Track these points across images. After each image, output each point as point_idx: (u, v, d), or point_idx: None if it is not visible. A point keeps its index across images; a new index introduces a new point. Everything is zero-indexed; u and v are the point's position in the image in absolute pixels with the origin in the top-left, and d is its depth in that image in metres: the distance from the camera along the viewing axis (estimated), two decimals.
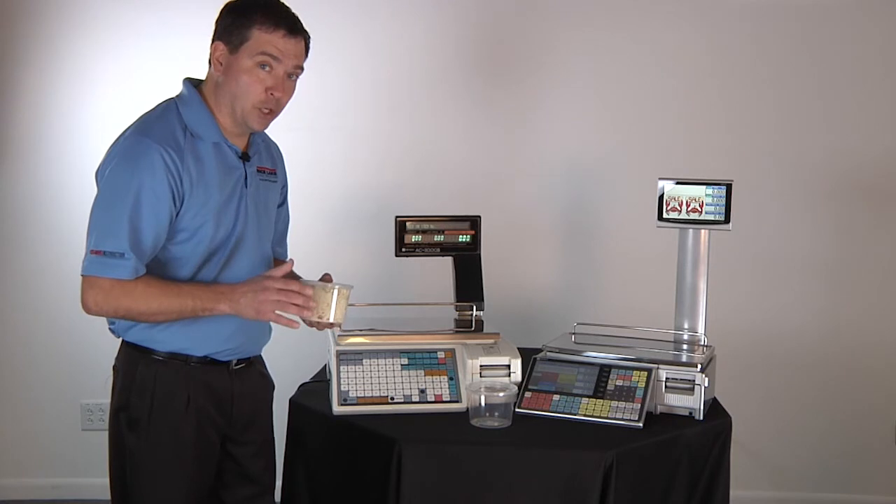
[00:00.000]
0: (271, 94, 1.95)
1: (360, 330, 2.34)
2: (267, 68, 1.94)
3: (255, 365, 2.15)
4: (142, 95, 3.22)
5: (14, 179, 3.39)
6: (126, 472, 1.98)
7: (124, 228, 1.85)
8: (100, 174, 1.93)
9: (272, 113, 1.99)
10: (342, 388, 2.20)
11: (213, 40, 1.99)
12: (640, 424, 2.13)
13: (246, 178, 2.03)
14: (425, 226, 2.59)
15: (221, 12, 2.00)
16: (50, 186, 3.38)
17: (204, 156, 1.95)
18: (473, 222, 2.61)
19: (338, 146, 3.36)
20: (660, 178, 2.46)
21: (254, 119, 1.97)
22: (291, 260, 2.04)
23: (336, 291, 1.97)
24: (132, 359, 1.99)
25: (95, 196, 1.92)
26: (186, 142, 1.93)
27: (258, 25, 1.92)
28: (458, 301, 2.57)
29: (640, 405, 2.16)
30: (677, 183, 2.44)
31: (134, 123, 1.97)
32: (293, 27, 1.96)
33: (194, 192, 1.92)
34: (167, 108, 1.98)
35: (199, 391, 2.00)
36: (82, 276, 1.89)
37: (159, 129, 1.91)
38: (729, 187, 2.39)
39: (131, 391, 1.97)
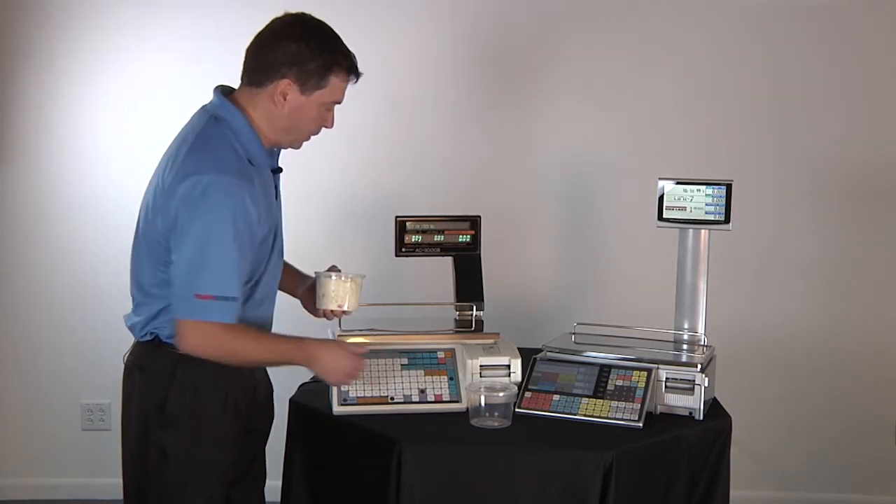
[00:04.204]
0: (324, 127, 2.04)
1: (360, 330, 2.34)
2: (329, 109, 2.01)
3: None
4: (143, 96, 3.26)
5: (17, 179, 3.39)
6: (153, 471, 1.98)
7: (235, 271, 1.89)
8: (183, 212, 1.87)
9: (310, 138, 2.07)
10: (342, 388, 2.20)
11: (276, 68, 1.93)
12: (640, 424, 2.13)
13: (276, 190, 2.08)
14: (425, 226, 2.59)
15: (291, 44, 1.93)
16: (53, 187, 3.38)
17: (264, 183, 2.00)
18: (473, 222, 2.61)
19: (338, 146, 3.34)
20: (660, 178, 2.46)
21: (299, 146, 2.06)
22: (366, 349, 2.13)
23: (351, 281, 2.11)
24: (169, 358, 1.98)
25: (192, 237, 1.86)
26: (252, 172, 1.94)
27: (335, 72, 1.96)
28: (458, 301, 2.57)
29: (640, 405, 2.16)
30: (677, 183, 2.44)
31: (197, 154, 1.90)
32: (358, 73, 2.02)
33: (262, 221, 1.96)
34: (222, 135, 1.93)
35: (233, 384, 2.03)
36: (184, 320, 1.89)
37: (233, 163, 1.90)
38: (729, 187, 2.39)
39: (170, 391, 1.97)
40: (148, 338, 2.00)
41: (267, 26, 1.99)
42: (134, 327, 2.03)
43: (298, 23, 1.98)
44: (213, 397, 1.99)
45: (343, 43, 2.00)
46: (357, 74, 2.02)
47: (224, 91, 2.02)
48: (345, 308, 2.09)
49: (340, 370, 2.05)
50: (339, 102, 2.03)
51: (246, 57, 2.00)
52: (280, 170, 2.09)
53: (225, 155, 1.91)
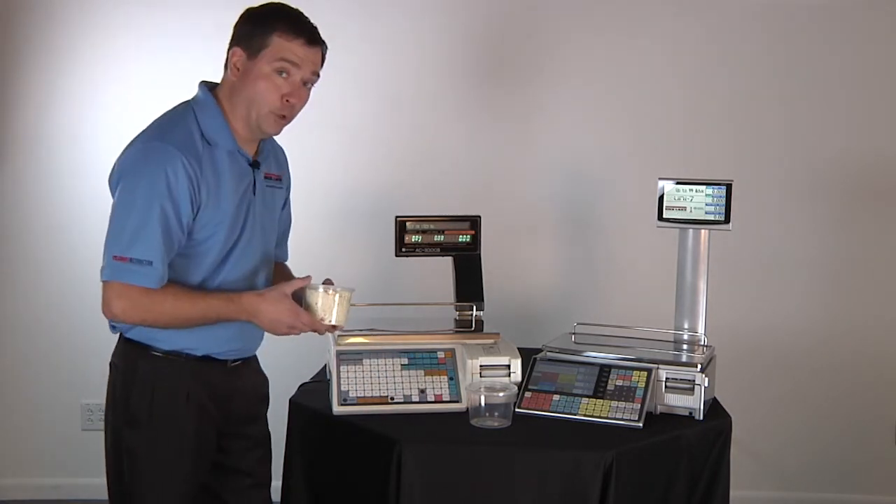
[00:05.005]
0: (287, 100, 1.97)
1: (360, 330, 2.34)
2: (284, 75, 1.96)
3: (250, 363, 2.17)
4: (144, 96, 3.26)
5: (16, 179, 3.39)
6: (124, 469, 1.98)
7: (152, 235, 1.86)
8: (119, 177, 1.92)
9: (286, 119, 2.01)
10: (342, 388, 2.20)
11: (231, 45, 2.00)
12: (640, 424, 2.13)
13: (254, 185, 2.05)
14: (425, 226, 2.59)
15: (241, 18, 2.01)
16: (51, 186, 3.38)
17: (220, 164, 1.96)
18: (473, 222, 2.61)
19: (338, 145, 3.36)
20: (660, 178, 2.46)
21: (268, 124, 2.00)
22: (309, 277, 2.05)
23: (338, 295, 2.02)
24: (133, 355, 1.99)
25: (117, 200, 1.91)
26: (204, 150, 1.94)
27: (279, 33, 1.94)
28: (458, 301, 2.57)
29: (640, 405, 2.16)
30: (677, 183, 2.44)
31: (151, 126, 1.97)
32: (312, 36, 1.98)
33: (210, 202, 1.94)
34: (185, 113, 1.98)
35: (198, 387, 2.01)
36: (105, 281, 1.89)
37: (179, 136, 1.91)
38: (729, 187, 2.39)
39: (132, 387, 1.97)
40: (115, 332, 2.03)
41: None
42: (108, 322, 2.03)
43: (254, 6, 2.03)
44: (172, 396, 1.98)
45: (293, 9, 2.00)
46: (304, 31, 1.97)
47: (209, 86, 2.04)
48: (332, 322, 2.03)
49: (283, 322, 1.97)
50: (299, 66, 1.96)
51: None
52: (258, 164, 2.06)
53: (175, 129, 1.93)
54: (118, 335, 2.04)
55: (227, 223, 1.98)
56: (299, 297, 2.03)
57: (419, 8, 3.33)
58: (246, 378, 2.13)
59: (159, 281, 1.88)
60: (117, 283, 1.87)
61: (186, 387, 1.99)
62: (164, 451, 1.98)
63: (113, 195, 1.94)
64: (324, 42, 2.01)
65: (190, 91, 2.05)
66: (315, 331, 2.04)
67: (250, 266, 2.06)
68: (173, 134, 1.91)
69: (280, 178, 2.17)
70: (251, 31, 1.96)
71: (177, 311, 1.91)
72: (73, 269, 3.38)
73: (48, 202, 3.39)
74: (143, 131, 1.96)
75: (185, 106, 2.00)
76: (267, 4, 2.03)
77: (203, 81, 2.05)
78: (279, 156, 2.20)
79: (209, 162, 1.94)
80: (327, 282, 2.11)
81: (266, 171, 2.10)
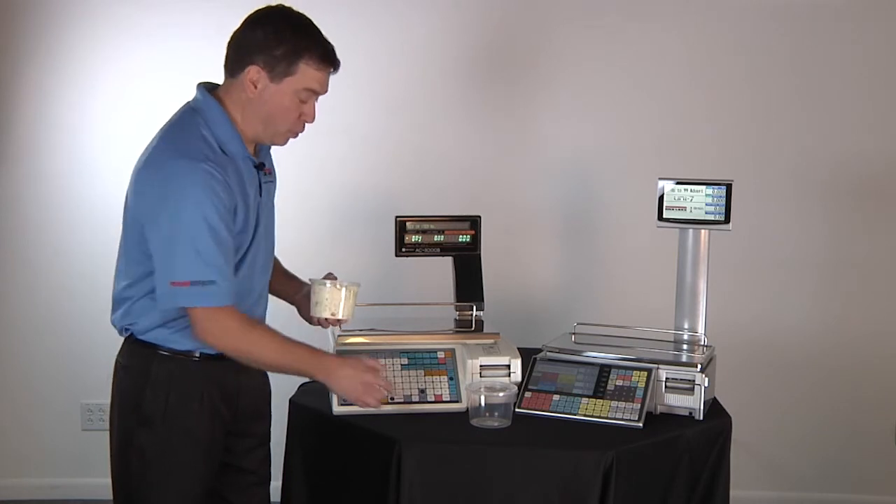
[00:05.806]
0: (304, 120, 2.00)
1: (360, 330, 2.34)
2: (305, 99, 1.97)
3: None
4: (143, 95, 3.26)
5: (15, 178, 3.39)
6: (134, 470, 1.98)
7: (204, 255, 1.85)
8: (158, 202, 1.88)
9: (297, 135, 2.04)
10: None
11: (247, 55, 1.93)
12: (640, 424, 2.13)
13: (260, 185, 2.05)
14: (425, 226, 2.58)
15: (260, 29, 1.94)
16: (51, 186, 3.38)
17: (238, 173, 1.96)
18: (473, 222, 2.61)
19: (338, 146, 3.36)
20: (660, 178, 2.46)
21: (281, 140, 2.03)
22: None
23: (345, 289, 2.07)
24: (145, 356, 1.99)
25: (167, 227, 1.86)
26: (225, 161, 1.93)
27: (306, 61, 1.93)
28: (458, 301, 2.57)
29: (640, 405, 2.16)
30: (677, 183, 2.44)
31: (165, 140, 1.93)
32: (336, 64, 1.99)
33: (238, 209, 1.94)
34: (193, 122, 1.95)
35: (210, 386, 2.01)
36: (191, 308, 1.89)
37: (202, 149, 1.90)
38: (729, 187, 2.39)
39: (145, 387, 1.97)
40: (125, 334, 2.02)
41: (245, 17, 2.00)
42: (114, 323, 2.03)
43: (271, 11, 1.99)
44: (187, 396, 1.98)
45: (317, 31, 1.98)
46: (332, 63, 1.97)
47: (208, 87, 2.02)
48: (339, 316, 2.06)
49: (359, 382, 2.02)
50: (319, 93, 1.98)
51: (226, 49, 2.00)
52: (263, 165, 2.06)
53: (193, 141, 1.91)
54: (125, 335, 2.03)
55: (246, 227, 1.99)
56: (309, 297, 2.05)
57: (421, 9, 3.33)
58: (251, 375, 2.13)
59: (229, 297, 1.89)
60: (206, 309, 1.88)
61: (200, 387, 2.00)
62: (178, 452, 1.99)
63: (150, 222, 1.89)
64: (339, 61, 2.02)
65: (191, 93, 2.04)
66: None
67: (261, 263, 2.08)
68: (195, 149, 1.89)
69: (272, 173, 2.17)
70: (275, 51, 1.91)
71: (267, 352, 1.96)
72: (72, 269, 3.38)
73: (47, 201, 3.39)
74: (159, 146, 1.92)
75: (191, 114, 1.97)
76: (287, 18, 1.97)
77: (201, 83, 2.03)
78: (268, 151, 2.19)
79: (233, 171, 1.94)
80: (330, 276, 2.12)
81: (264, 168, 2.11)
